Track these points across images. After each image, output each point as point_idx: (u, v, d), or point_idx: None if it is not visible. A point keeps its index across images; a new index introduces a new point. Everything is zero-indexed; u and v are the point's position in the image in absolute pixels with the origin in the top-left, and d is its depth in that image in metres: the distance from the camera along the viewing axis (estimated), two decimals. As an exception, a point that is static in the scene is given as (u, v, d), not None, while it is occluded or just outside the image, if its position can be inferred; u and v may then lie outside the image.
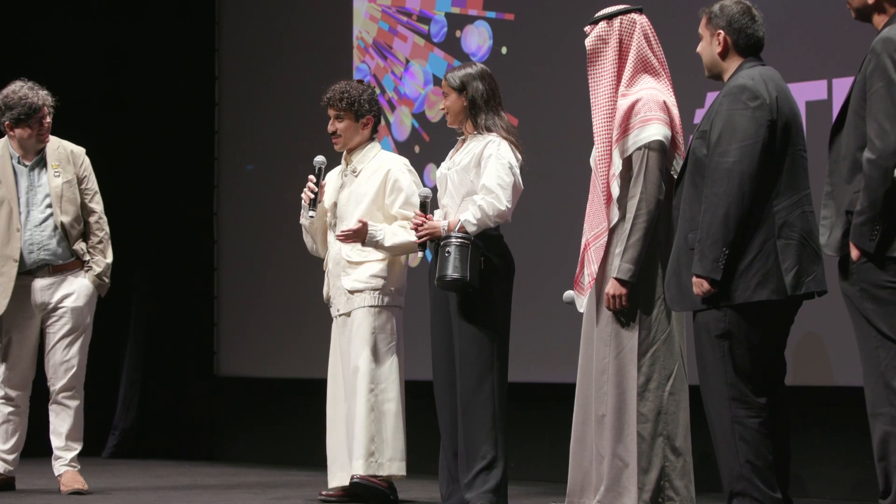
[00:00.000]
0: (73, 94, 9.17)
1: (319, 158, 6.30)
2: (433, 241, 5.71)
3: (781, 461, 4.76)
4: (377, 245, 6.07)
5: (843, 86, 6.41)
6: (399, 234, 6.10)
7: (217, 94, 9.43)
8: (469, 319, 5.63)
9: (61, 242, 6.57)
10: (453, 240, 5.55)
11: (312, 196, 6.21)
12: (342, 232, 6.10)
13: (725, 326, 4.67)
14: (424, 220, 5.74)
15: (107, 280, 6.67)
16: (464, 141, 5.84)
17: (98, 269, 6.62)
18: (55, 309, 6.56)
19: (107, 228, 6.71)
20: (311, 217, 6.26)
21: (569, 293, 5.47)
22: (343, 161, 6.42)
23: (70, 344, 6.56)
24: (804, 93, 6.47)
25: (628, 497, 5.07)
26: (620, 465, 5.10)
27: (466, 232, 5.58)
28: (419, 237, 5.75)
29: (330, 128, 6.36)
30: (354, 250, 6.20)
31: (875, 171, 4.11)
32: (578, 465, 5.30)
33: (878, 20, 4.31)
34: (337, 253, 6.26)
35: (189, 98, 9.41)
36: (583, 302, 5.32)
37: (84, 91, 9.35)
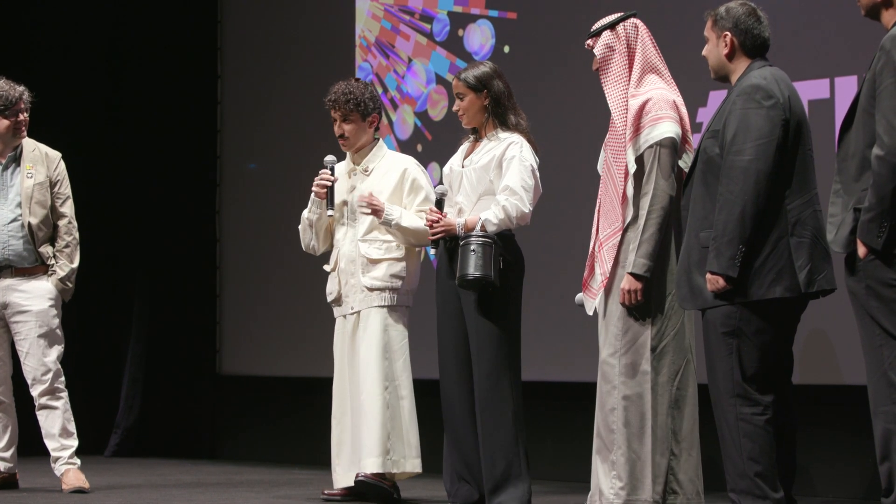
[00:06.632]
0: (75, 92, 9.22)
1: (330, 158, 6.28)
2: (446, 240, 5.71)
3: (786, 460, 4.77)
4: (389, 224, 6.05)
5: (845, 85, 6.41)
6: (414, 218, 6.10)
7: (219, 93, 9.43)
8: (487, 318, 5.62)
9: (27, 244, 6.54)
10: (475, 239, 5.52)
11: (329, 185, 6.17)
12: (371, 202, 6.04)
13: (735, 323, 4.68)
14: (440, 216, 5.74)
15: (70, 285, 6.61)
16: (477, 140, 5.83)
17: (61, 274, 6.57)
18: (19, 313, 6.54)
19: (76, 234, 6.66)
20: (330, 215, 6.22)
21: (580, 296, 5.47)
22: (349, 160, 6.40)
23: (41, 348, 6.52)
24: (806, 92, 6.46)
25: (643, 490, 5.09)
26: (634, 459, 5.12)
27: (486, 231, 5.57)
28: (433, 234, 5.73)
29: (337, 130, 6.28)
30: (373, 248, 6.19)
31: (883, 167, 4.11)
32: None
33: (887, 18, 4.31)
34: (351, 251, 6.23)
35: (191, 96, 9.41)
36: (592, 305, 5.33)
37: (86, 89, 9.36)
